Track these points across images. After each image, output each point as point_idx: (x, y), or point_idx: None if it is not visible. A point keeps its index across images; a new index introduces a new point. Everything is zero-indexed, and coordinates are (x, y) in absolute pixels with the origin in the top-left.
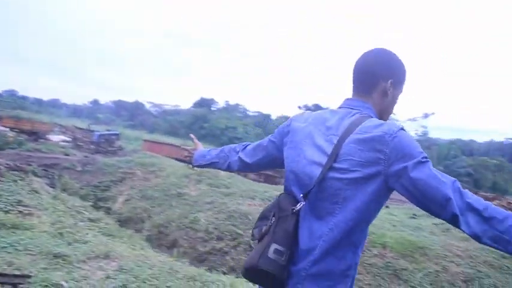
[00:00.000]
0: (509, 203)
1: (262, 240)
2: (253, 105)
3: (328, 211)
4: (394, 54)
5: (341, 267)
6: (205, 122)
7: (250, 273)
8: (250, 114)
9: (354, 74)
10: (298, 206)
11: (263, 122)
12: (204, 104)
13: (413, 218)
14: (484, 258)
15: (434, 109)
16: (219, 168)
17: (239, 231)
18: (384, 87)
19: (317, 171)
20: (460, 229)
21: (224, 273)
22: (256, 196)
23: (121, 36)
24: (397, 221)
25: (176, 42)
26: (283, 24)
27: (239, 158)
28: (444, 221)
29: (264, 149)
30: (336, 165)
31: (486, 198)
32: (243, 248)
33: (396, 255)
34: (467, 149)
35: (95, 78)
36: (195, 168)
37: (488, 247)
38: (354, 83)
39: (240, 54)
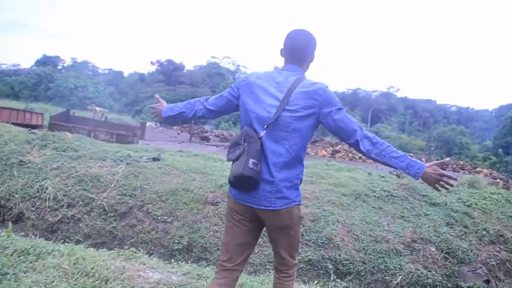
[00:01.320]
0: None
1: (240, 158)
2: (104, 62)
3: (282, 137)
4: (313, 34)
5: (295, 173)
6: (50, 82)
7: (236, 179)
8: (101, 72)
9: (289, 48)
10: (262, 133)
11: (115, 79)
12: (48, 62)
13: None
14: (328, 198)
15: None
16: (185, 118)
17: (91, 196)
18: (311, 59)
19: (273, 111)
20: (359, 150)
21: (79, 242)
22: (107, 157)
23: None
24: None
25: None
26: None
27: (204, 106)
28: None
29: (225, 99)
30: (287, 107)
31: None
32: (96, 212)
33: None
34: None
35: None
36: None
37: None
38: (289, 54)
39: (85, 6)
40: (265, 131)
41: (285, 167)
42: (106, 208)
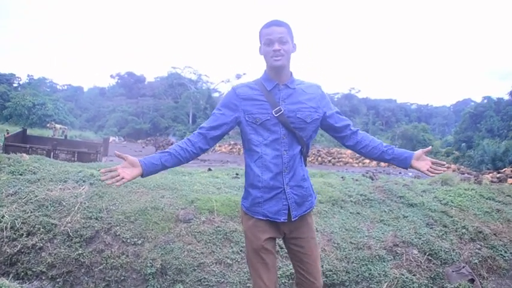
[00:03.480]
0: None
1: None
2: (62, 78)
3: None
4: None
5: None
6: (6, 100)
7: None
8: (60, 88)
9: None
10: None
11: (75, 95)
12: (2, 80)
13: (237, 177)
14: None
15: (245, 69)
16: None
17: (53, 221)
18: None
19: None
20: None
21: (42, 273)
22: (68, 178)
23: None
24: (221, 183)
25: None
26: None
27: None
28: None
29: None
30: None
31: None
32: (60, 239)
33: (224, 218)
34: None
35: None
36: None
37: None
38: None
39: (38, 22)
40: None
41: None
42: (70, 234)
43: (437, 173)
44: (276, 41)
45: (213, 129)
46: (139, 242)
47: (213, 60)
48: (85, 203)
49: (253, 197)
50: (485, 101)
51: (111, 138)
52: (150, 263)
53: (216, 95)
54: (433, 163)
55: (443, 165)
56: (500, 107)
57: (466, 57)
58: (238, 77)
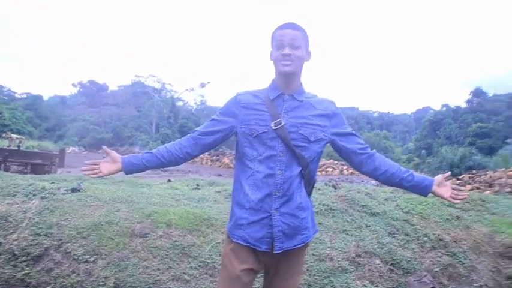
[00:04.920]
0: None
1: None
2: (21, 86)
3: None
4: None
5: None
6: None
7: None
8: (18, 96)
9: None
10: None
11: (34, 103)
12: None
13: (197, 188)
14: None
15: (210, 78)
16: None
17: None
18: None
19: None
20: None
21: None
22: (17, 192)
23: None
24: (180, 194)
25: None
26: None
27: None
28: (228, 189)
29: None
30: None
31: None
32: (4, 258)
33: (183, 231)
34: None
35: None
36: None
37: None
38: None
39: None
40: None
41: None
42: (16, 252)
43: (460, 199)
44: (287, 44)
45: (205, 135)
46: (92, 259)
47: (177, 68)
48: (34, 219)
49: (237, 217)
50: (444, 109)
51: (71, 149)
52: (103, 281)
53: (180, 103)
54: (453, 189)
55: (463, 190)
56: (458, 114)
57: (426, 66)
58: (202, 85)
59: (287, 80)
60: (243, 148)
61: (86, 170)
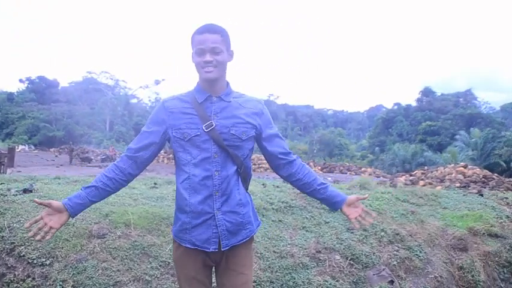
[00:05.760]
0: None
1: None
2: None
3: None
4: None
5: None
6: None
7: None
8: None
9: None
10: None
11: None
12: None
13: (155, 187)
14: None
15: (164, 75)
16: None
17: None
18: None
19: None
20: None
21: None
22: None
23: None
24: (138, 193)
25: None
26: None
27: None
28: None
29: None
30: None
31: None
32: None
33: (142, 231)
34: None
35: None
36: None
37: None
38: None
39: None
40: None
41: None
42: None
43: (364, 224)
44: (208, 51)
45: (141, 150)
46: (48, 262)
47: (131, 65)
48: None
49: (181, 222)
50: (396, 107)
51: (21, 147)
52: (60, 285)
53: (134, 101)
54: (364, 211)
55: (372, 216)
56: (409, 112)
57: (378, 65)
58: (157, 82)
59: (211, 84)
60: (176, 153)
61: (34, 234)
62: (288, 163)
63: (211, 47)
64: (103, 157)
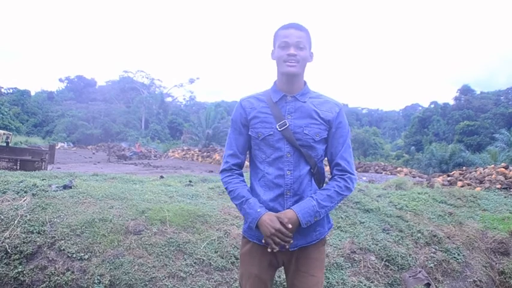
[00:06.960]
0: None
1: None
2: (7, 81)
3: None
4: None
5: None
6: None
7: None
8: (4, 91)
9: None
10: None
11: (21, 99)
12: None
13: (190, 185)
14: None
15: (199, 74)
16: None
17: None
18: None
19: None
20: None
21: None
22: (8, 189)
23: None
24: (173, 191)
25: None
26: None
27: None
28: (221, 186)
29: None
30: None
31: None
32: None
33: (177, 228)
34: (231, 109)
35: None
36: None
37: None
38: None
39: None
40: None
41: None
42: (9, 250)
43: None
44: (292, 45)
45: (242, 154)
46: (86, 256)
47: (166, 64)
48: (26, 216)
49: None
50: (432, 105)
51: (60, 144)
52: (98, 279)
53: (169, 99)
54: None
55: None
56: (446, 111)
57: (414, 63)
58: (191, 81)
59: (290, 81)
60: (253, 151)
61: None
62: (333, 176)
63: (296, 41)
64: (130, 154)
